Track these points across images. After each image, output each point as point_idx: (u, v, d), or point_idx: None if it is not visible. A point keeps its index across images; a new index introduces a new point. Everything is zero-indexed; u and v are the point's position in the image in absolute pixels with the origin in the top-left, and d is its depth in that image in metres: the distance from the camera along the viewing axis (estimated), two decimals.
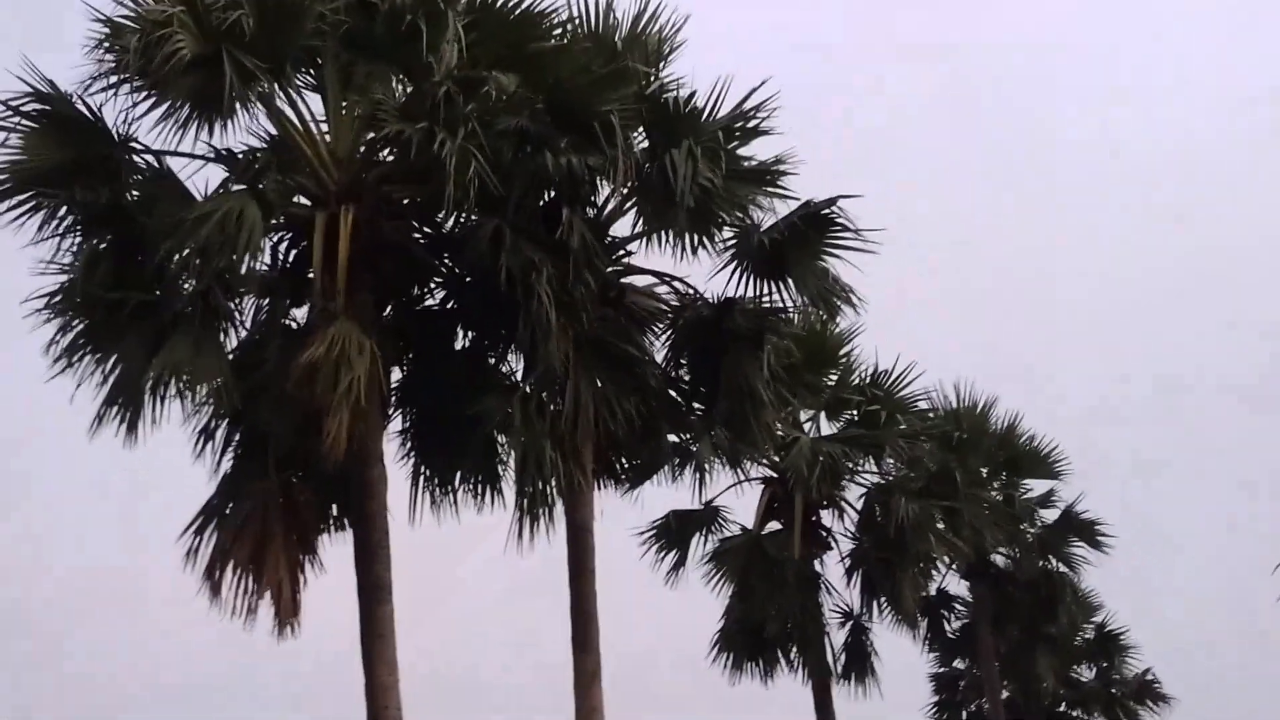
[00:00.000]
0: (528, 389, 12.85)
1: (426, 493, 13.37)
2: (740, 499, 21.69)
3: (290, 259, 12.49)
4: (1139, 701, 26.13)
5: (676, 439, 16.62)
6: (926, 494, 19.20)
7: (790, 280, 14.19)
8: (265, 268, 12.24)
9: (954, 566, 22.34)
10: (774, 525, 19.34)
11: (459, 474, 13.43)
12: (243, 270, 11.36)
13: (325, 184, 11.80)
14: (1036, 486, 24.02)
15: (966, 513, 19.98)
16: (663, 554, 19.26)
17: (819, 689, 18.88)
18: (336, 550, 12.43)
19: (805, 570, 18.86)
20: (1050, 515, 23.92)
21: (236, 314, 12.06)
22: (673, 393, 14.92)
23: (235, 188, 11.68)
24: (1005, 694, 24.39)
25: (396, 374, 13.07)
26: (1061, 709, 26.59)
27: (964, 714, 26.30)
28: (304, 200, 12.15)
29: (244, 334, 12.27)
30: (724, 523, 19.34)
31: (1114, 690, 26.20)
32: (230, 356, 11.82)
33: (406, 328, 12.95)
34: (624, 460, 15.85)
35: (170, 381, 11.07)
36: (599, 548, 13.95)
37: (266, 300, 12.42)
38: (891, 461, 19.60)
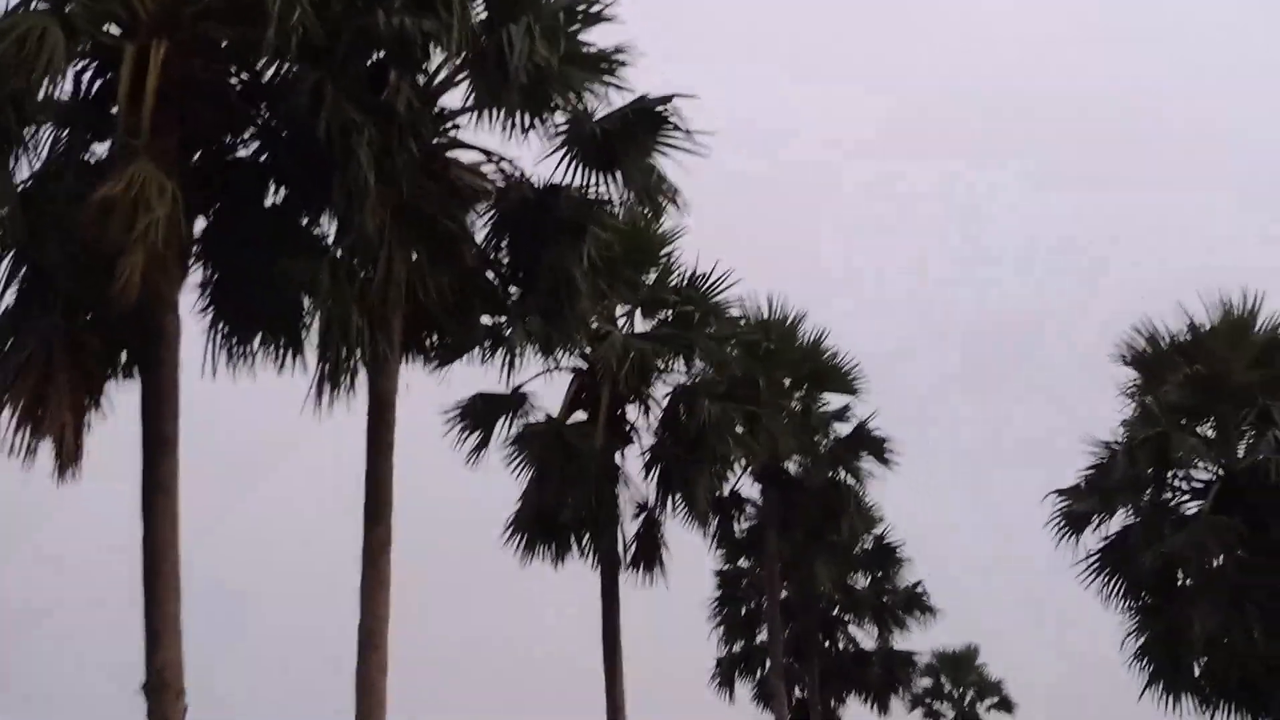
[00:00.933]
0: (338, 254, 12.53)
1: (224, 350, 12.96)
2: (548, 387, 21.73)
3: (94, 90, 11.76)
4: (907, 611, 27.61)
5: (490, 321, 16.54)
6: (730, 398, 19.61)
7: (618, 173, 14.15)
8: (66, 97, 11.52)
9: (748, 470, 23.02)
10: (579, 415, 19.51)
11: (260, 334, 13.05)
12: (40, 96, 10.67)
13: (138, 13, 11.11)
14: (835, 401, 24.84)
15: (766, 419, 20.53)
16: (466, 434, 19.28)
17: (608, 576, 19.28)
18: (124, 399, 12.00)
19: (605, 461, 19.11)
20: (844, 429, 24.79)
21: (29, 142, 11.32)
22: (489, 274, 14.79)
23: (38, 6, 10.92)
24: (784, 594, 25.41)
25: (200, 224, 12.53)
26: (835, 613, 27.92)
27: (743, 610, 27.39)
28: (114, 29, 11.43)
29: (37, 165, 11.56)
30: (530, 409, 19.43)
31: (885, 599, 27.61)
32: (19, 187, 11.14)
33: (214, 176, 12.37)
34: (434, 337, 15.69)
35: None
36: (401, 423, 13.89)
37: (65, 131, 11.69)
38: (700, 364, 19.96)
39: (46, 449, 11.12)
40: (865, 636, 28.20)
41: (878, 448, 24.45)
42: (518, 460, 19.19)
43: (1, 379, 11.10)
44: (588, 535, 19.43)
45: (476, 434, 19.31)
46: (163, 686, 10.74)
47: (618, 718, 18.36)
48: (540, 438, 19.03)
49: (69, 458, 11.09)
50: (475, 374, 17.56)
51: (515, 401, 19.28)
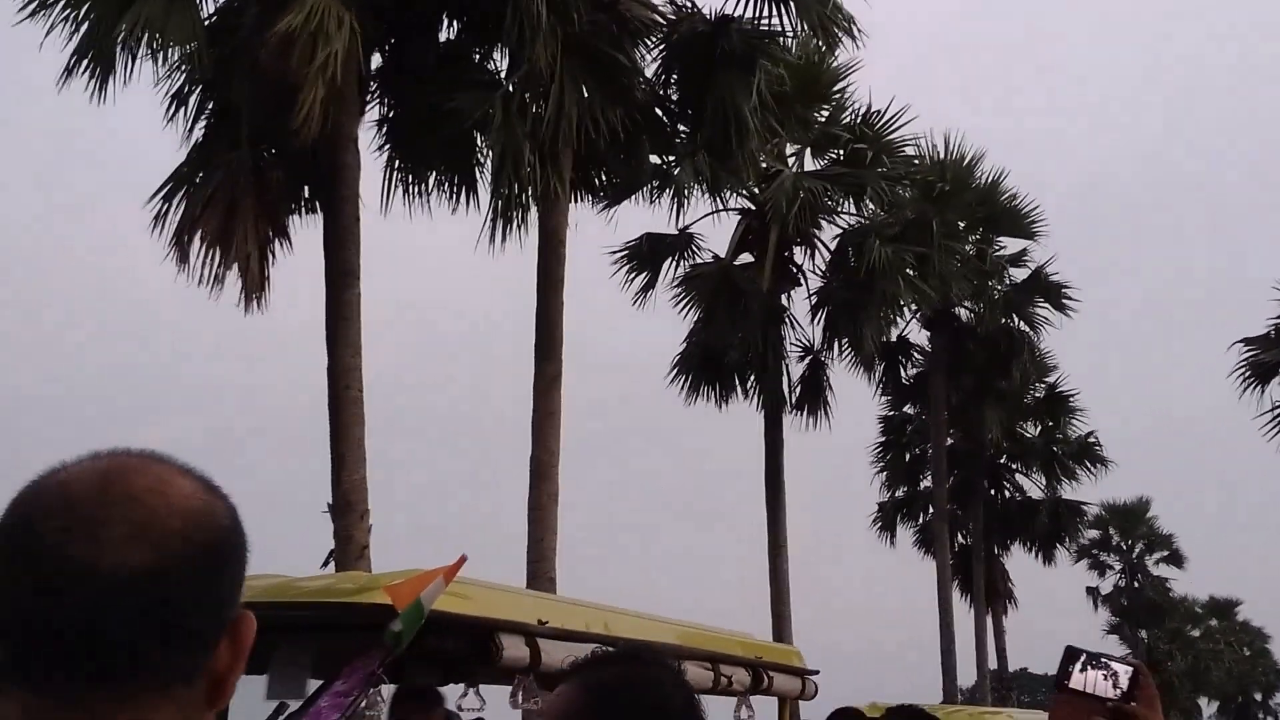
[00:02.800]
0: (510, 88, 12.52)
1: (400, 186, 13.23)
2: (716, 228, 21.61)
3: None
4: (1078, 461, 27.12)
5: (658, 161, 16.44)
6: (901, 240, 19.23)
7: (792, 3, 13.75)
8: None
9: (918, 315, 22.67)
10: (746, 257, 19.41)
11: (434, 170, 13.26)
12: None
13: None
14: (1011, 245, 24.14)
15: (937, 262, 20.08)
16: (633, 275, 19.39)
17: (771, 418, 19.38)
18: (307, 234, 12.38)
19: (772, 303, 19.04)
20: (1020, 274, 24.14)
21: None
22: (659, 111, 14.63)
23: None
24: (950, 441, 25.20)
25: (377, 60, 12.68)
26: (1002, 461, 27.61)
27: (907, 456, 27.31)
28: None
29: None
30: (697, 250, 19.41)
31: (1055, 449, 27.15)
32: (206, 21, 11.39)
33: (389, 10, 12.44)
34: (603, 175, 15.70)
35: (142, 39, 10.67)
36: (570, 260, 14.03)
37: None
38: (871, 205, 19.55)
39: (233, 279, 11.57)
40: (1032, 486, 27.93)
41: (1054, 294, 23.79)
42: (684, 301, 19.27)
43: (190, 209, 11.53)
44: (752, 377, 19.51)
45: (644, 274, 19.40)
46: (348, 507, 11.23)
47: (780, 558, 18.63)
48: (707, 279, 19.02)
49: (254, 286, 11.50)
50: (643, 215, 17.60)
51: (683, 242, 19.25)
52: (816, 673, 4.75)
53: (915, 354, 24.57)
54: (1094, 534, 38.62)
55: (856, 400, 24.85)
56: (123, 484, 0.99)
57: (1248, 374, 19.54)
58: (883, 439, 27.33)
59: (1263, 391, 19.46)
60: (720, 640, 4.05)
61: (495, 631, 2.80)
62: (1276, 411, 19.39)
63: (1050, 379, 26.25)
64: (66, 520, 0.96)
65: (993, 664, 27.01)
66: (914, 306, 21.16)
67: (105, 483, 0.99)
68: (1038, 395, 26.32)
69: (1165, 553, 41.56)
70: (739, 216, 19.39)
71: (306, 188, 12.43)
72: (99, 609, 0.94)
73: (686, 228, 19.07)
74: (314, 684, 2.54)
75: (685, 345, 19.70)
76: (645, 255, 19.36)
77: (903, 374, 24.85)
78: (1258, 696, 48.89)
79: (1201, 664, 43.49)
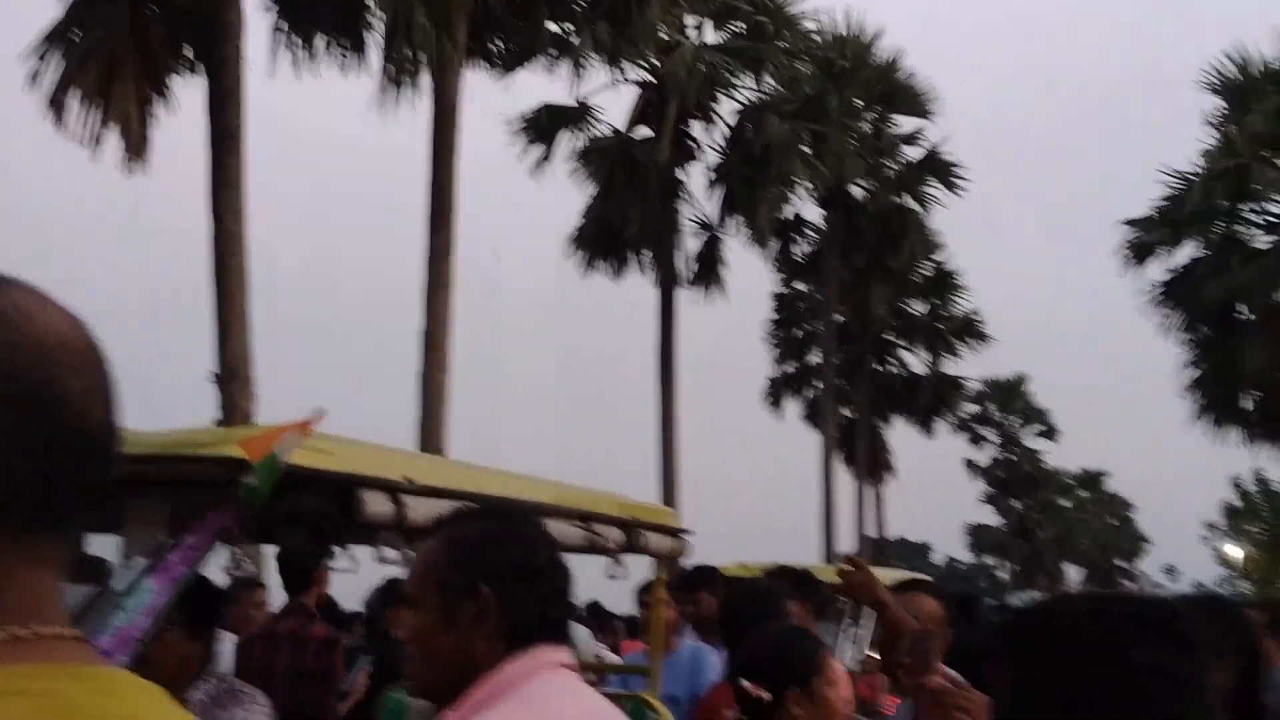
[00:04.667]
0: None
1: (287, 47, 12.77)
2: (614, 100, 21.32)
3: None
4: (960, 337, 27.81)
5: (557, 29, 16.12)
6: (799, 116, 19.21)
7: None
8: None
9: (813, 192, 22.79)
10: (645, 130, 19.24)
11: (323, 32, 12.81)
12: None
13: None
14: (906, 123, 24.29)
15: (833, 140, 20.15)
16: (530, 146, 19.14)
17: (666, 291, 19.45)
18: (191, 95, 11.93)
19: (669, 177, 18.96)
20: (914, 153, 24.35)
21: None
22: None
23: None
24: (839, 318, 25.61)
25: None
26: (889, 337, 28.19)
27: (798, 332, 27.75)
28: None
29: None
30: (595, 122, 19.19)
31: (940, 325, 27.79)
32: None
33: None
34: (500, 41, 15.36)
35: None
36: (465, 130, 13.77)
37: None
38: (770, 80, 19.44)
39: (114, 139, 11.15)
40: (916, 361, 28.60)
41: (946, 173, 24.07)
42: (582, 174, 19.10)
43: (67, 66, 11.03)
44: (649, 251, 19.51)
45: (541, 146, 19.17)
46: (232, 375, 11.07)
47: (670, 428, 18.89)
48: (605, 152, 18.85)
49: (136, 148, 11.12)
50: (542, 86, 17.31)
51: (580, 113, 19.02)
52: (690, 532, 4.84)
53: (809, 231, 24.81)
54: (974, 408, 39.84)
55: (751, 276, 25.06)
56: None
57: (1129, 253, 20.11)
58: (775, 315, 27.70)
59: (1142, 271, 20.09)
60: (591, 499, 4.08)
61: (359, 488, 2.78)
62: (1154, 291, 20.03)
63: (937, 257, 26.71)
64: None
65: (873, 532, 27.95)
66: (809, 184, 21.25)
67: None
68: (925, 273, 26.79)
69: (1041, 427, 43.09)
70: (638, 89, 19.19)
71: (189, 46, 11.95)
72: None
73: (585, 99, 18.90)
74: (169, 541, 2.52)
75: (582, 219, 19.59)
76: (543, 127, 19.10)
77: (796, 251, 25.11)
78: (1121, 563, 51.42)
79: (1070, 532, 45.54)
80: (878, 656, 3.32)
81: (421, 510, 2.83)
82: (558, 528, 3.33)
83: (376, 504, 2.78)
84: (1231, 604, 2.39)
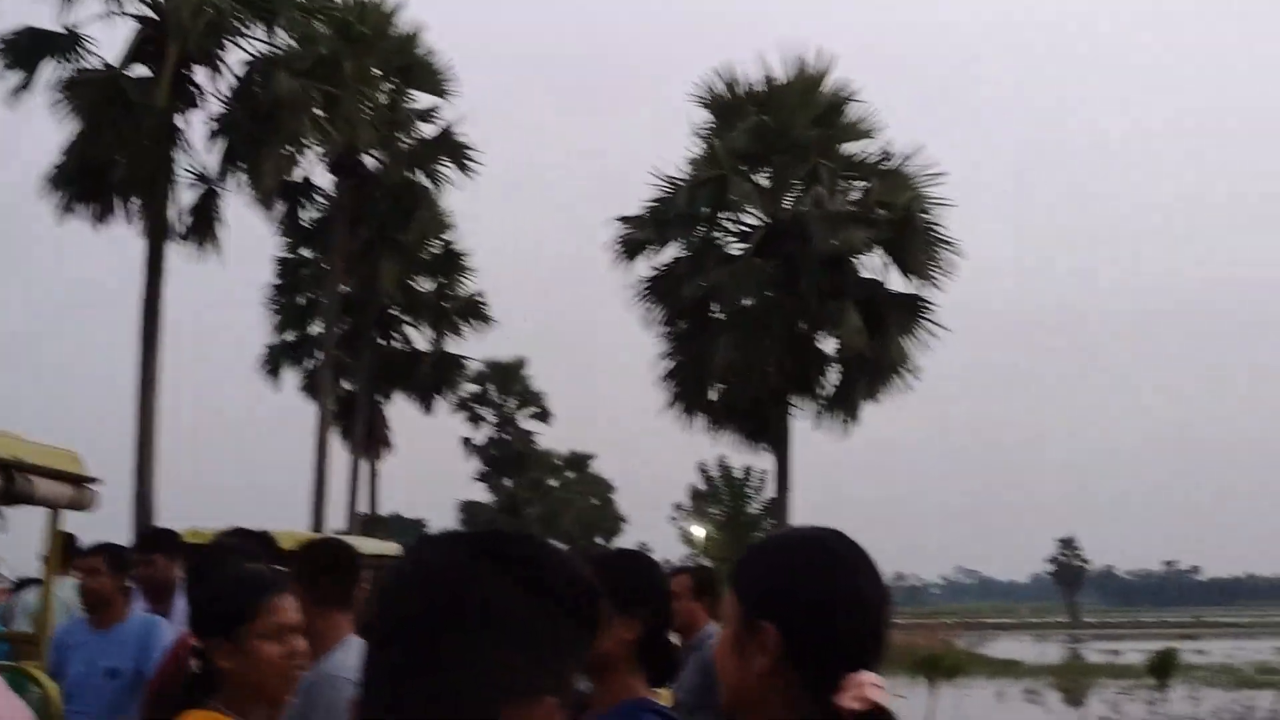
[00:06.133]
0: None
1: None
2: (110, 31, 19.73)
3: None
4: (464, 317, 28.32)
5: None
6: (311, 76, 18.69)
7: None
8: None
9: (324, 157, 22.30)
10: (142, 69, 17.95)
11: None
12: None
13: None
14: (423, 99, 24.33)
15: (347, 105, 19.81)
16: (9, 70, 17.33)
17: (155, 243, 18.25)
18: None
19: (166, 122, 17.82)
20: (430, 130, 24.44)
21: None
22: None
23: None
24: (344, 289, 25.25)
25: None
26: (394, 312, 28.19)
27: (301, 300, 27.08)
28: None
29: None
30: (85, 53, 17.68)
31: (445, 304, 28.14)
32: None
33: None
34: None
35: None
36: None
37: None
38: (283, 34, 18.78)
39: None
40: (420, 338, 28.79)
41: (460, 153, 24.35)
42: (66, 107, 17.51)
43: None
44: (138, 198, 18.22)
45: (21, 71, 17.42)
46: None
47: (151, 388, 17.77)
48: (94, 86, 17.41)
49: None
50: (25, 5, 15.72)
51: (69, 42, 17.50)
52: (97, 480, 4.52)
53: (317, 197, 24.27)
54: (474, 388, 40.78)
55: (253, 238, 24.11)
56: None
57: (621, 249, 21.36)
58: (278, 281, 26.85)
59: (632, 266, 21.40)
60: None
61: None
62: (642, 285, 21.41)
63: (447, 236, 27.03)
64: None
65: (366, 507, 27.83)
66: (320, 147, 20.76)
67: None
68: (434, 251, 27.02)
69: (536, 409, 44.90)
70: (137, 23, 17.87)
71: None
72: None
73: (75, 27, 17.40)
74: None
75: (63, 156, 17.95)
76: (23, 50, 17.39)
77: (303, 216, 24.47)
78: (601, 541, 54.66)
79: (556, 511, 47.78)
80: None
81: None
82: None
83: None
84: (647, 562, 2.55)
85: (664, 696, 3.51)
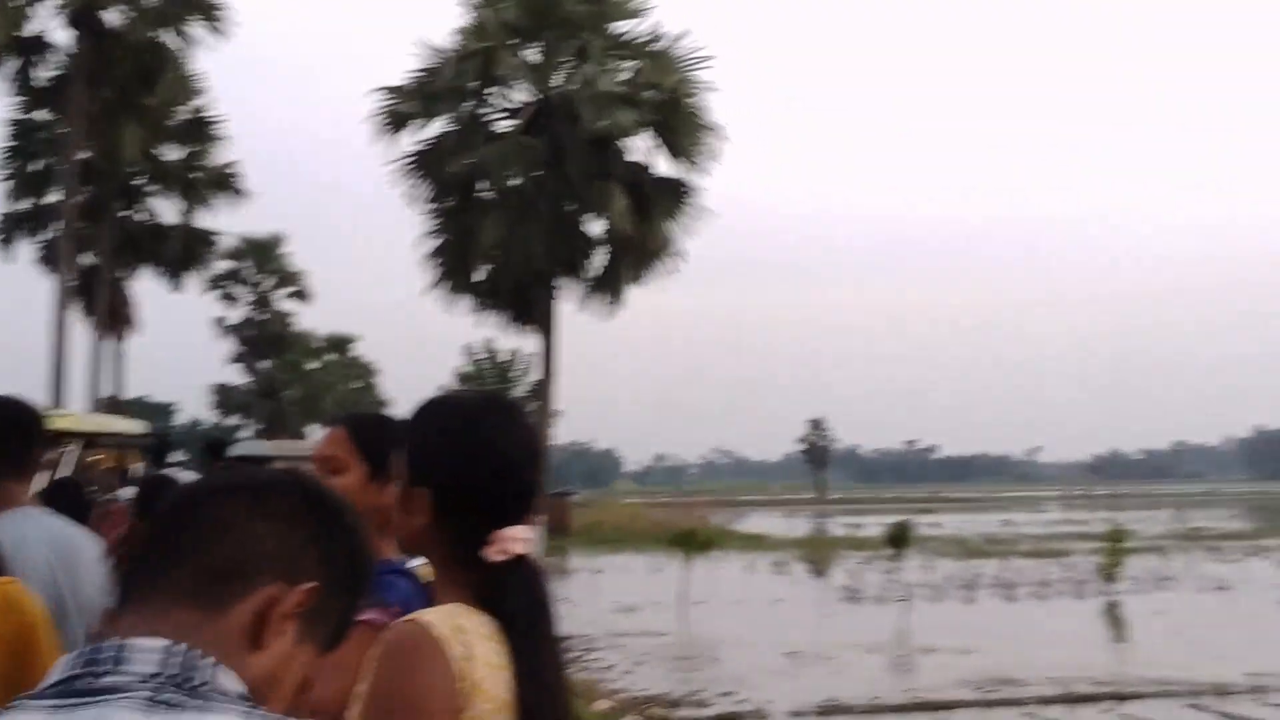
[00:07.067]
0: None
1: None
2: None
3: None
4: (215, 189, 26.95)
5: None
6: None
7: None
8: None
9: (60, 10, 20.62)
10: None
11: None
12: None
13: None
14: None
15: None
16: None
17: None
18: None
19: None
20: None
21: None
22: None
23: None
24: (85, 155, 23.64)
25: None
26: (138, 182, 26.60)
27: (37, 166, 25.23)
28: None
29: None
30: None
31: (194, 175, 26.70)
32: None
33: None
34: None
35: None
36: None
37: None
38: None
39: None
40: (168, 210, 27.31)
41: (210, 11, 22.91)
42: None
43: None
44: None
45: None
46: None
47: None
48: None
49: None
50: None
51: None
52: None
53: (54, 54, 22.46)
54: (228, 265, 39.13)
55: None
56: None
57: (386, 121, 20.66)
58: (12, 144, 24.90)
59: (395, 140, 20.77)
60: None
61: None
62: (406, 161, 20.83)
63: (197, 102, 25.55)
64: None
65: (111, 390, 26.52)
66: (56, 1, 19.18)
67: None
68: (182, 117, 25.51)
69: (294, 289, 43.44)
70: None
71: None
72: None
73: None
74: None
75: None
76: None
77: (38, 75, 22.65)
78: None
79: (315, 394, 46.65)
80: None
81: None
82: None
83: None
84: (398, 425, 2.46)
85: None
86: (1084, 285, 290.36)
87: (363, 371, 52.34)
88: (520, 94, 20.69)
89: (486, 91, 20.53)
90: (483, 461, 1.58)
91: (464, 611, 1.48)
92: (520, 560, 1.53)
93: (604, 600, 19.54)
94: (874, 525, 33.73)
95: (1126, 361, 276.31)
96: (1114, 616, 16.72)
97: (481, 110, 20.69)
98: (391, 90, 20.49)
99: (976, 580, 21.84)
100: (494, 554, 1.52)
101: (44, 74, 22.94)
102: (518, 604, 1.51)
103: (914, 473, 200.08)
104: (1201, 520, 46.62)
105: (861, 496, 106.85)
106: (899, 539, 22.98)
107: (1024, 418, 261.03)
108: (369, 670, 1.47)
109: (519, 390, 47.69)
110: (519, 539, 1.54)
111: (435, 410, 1.66)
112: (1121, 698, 10.35)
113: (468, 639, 1.45)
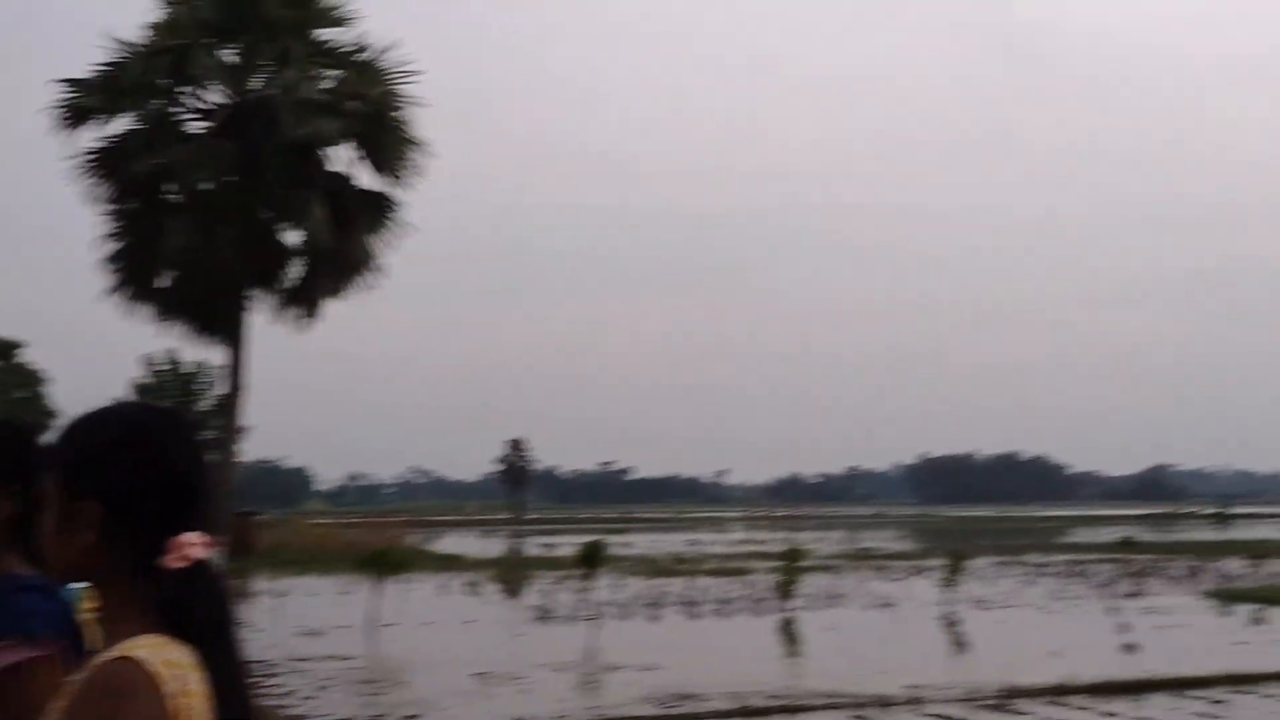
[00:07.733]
0: None
1: None
2: None
3: None
4: None
5: None
6: None
7: None
8: None
9: None
10: None
11: None
12: None
13: None
14: None
15: None
16: None
17: None
18: None
19: None
20: None
21: None
22: None
23: None
24: None
25: None
26: None
27: None
28: None
29: None
30: None
31: None
32: None
33: None
34: None
35: None
36: None
37: None
38: None
39: None
40: None
41: None
42: None
43: None
44: None
45: None
46: None
47: None
48: None
49: None
50: None
51: None
52: None
53: None
54: None
55: None
56: None
57: (66, 115, 19.34)
58: None
59: (75, 136, 19.46)
60: None
61: None
62: (87, 158, 19.55)
63: None
64: None
65: None
66: None
67: None
68: None
69: None
70: None
71: None
72: None
73: None
74: None
75: None
76: None
77: None
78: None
79: None
80: None
81: None
82: None
83: None
84: (22, 432, 2.31)
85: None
86: (775, 317, 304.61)
87: (29, 380, 48.73)
88: (215, 95, 19.82)
89: (178, 91, 19.54)
90: (155, 467, 1.54)
91: (166, 643, 1.43)
92: (200, 566, 1.49)
93: (288, 624, 18.90)
94: (568, 545, 34.17)
95: (806, 391, 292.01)
96: (789, 632, 17.58)
97: (172, 110, 19.66)
98: (74, 83, 19.21)
99: (663, 598, 22.47)
100: (174, 560, 1.47)
101: None
102: (201, 612, 1.47)
103: (610, 494, 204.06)
104: (871, 541, 49.77)
105: (558, 517, 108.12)
106: (591, 559, 23.35)
107: (714, 441, 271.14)
108: (69, 714, 1.38)
109: (203, 404, 45.59)
110: (197, 544, 1.50)
111: (98, 420, 1.60)
112: (792, 710, 10.88)
113: (180, 672, 1.40)
